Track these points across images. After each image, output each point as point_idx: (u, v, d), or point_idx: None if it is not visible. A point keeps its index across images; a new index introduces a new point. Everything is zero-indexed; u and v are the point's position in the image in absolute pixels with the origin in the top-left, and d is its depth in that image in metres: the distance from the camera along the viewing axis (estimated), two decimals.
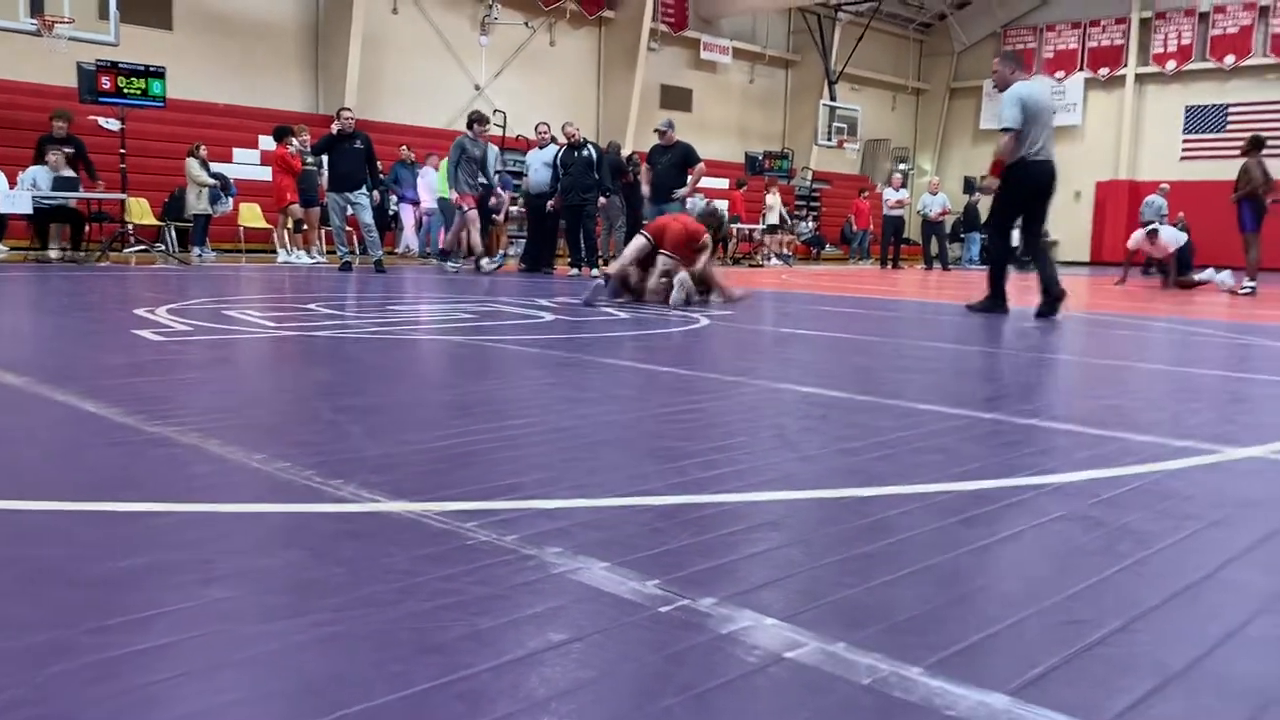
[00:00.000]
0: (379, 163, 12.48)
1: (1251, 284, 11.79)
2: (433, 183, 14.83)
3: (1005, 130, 7.42)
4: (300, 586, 1.55)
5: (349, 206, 11.76)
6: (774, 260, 19.80)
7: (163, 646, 1.31)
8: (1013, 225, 7.89)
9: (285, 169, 13.14)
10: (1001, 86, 7.68)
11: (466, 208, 12.02)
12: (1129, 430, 3.03)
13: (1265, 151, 11.86)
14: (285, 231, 13.61)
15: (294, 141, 13.22)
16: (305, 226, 13.79)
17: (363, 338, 5.14)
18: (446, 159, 12.75)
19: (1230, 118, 25.72)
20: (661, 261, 7.81)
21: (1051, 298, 7.41)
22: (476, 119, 12.02)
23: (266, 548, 1.76)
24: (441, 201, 13.31)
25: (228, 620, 1.41)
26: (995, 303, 7.84)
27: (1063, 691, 1.25)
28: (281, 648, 1.33)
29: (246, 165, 15.70)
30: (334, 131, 11.56)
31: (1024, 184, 7.50)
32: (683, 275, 7.71)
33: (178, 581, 1.55)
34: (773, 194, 20.22)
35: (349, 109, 12.07)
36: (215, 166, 13.88)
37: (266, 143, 14.71)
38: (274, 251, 13.81)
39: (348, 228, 12.21)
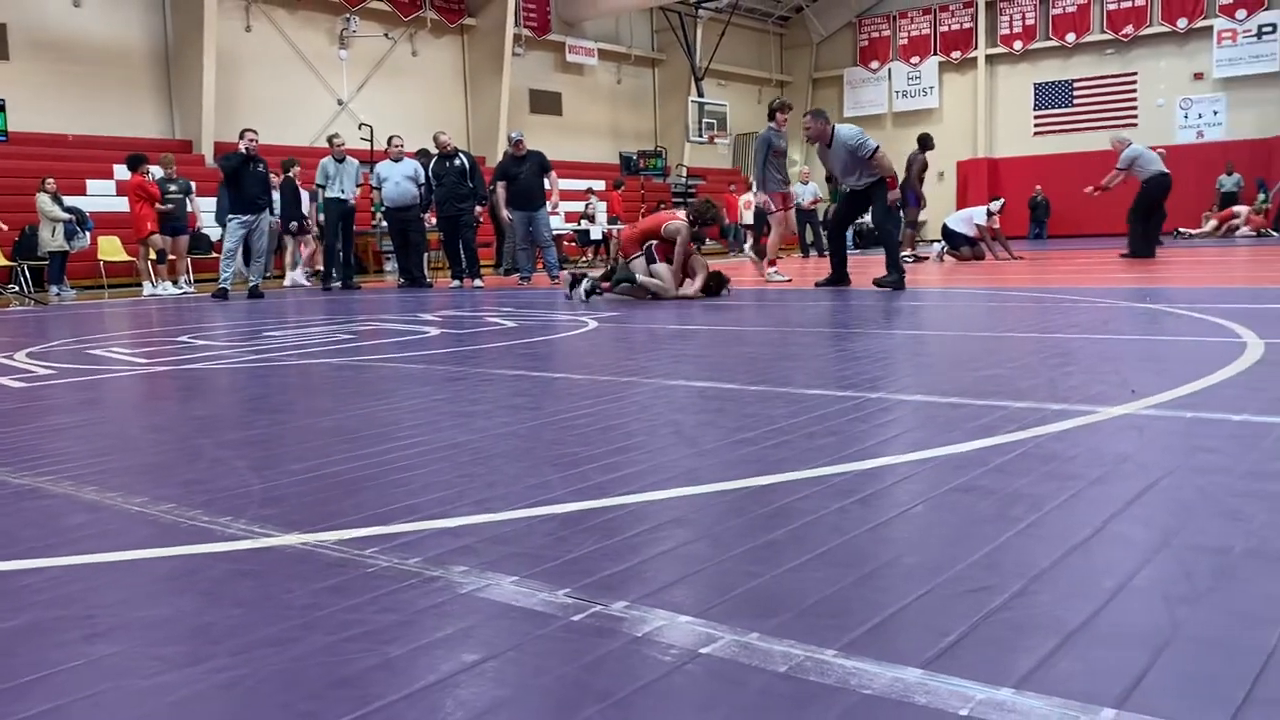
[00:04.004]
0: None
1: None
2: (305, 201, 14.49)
3: (875, 151, 8.92)
4: (194, 633, 1.48)
5: (251, 231, 11.44)
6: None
7: (47, 712, 1.24)
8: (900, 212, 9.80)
9: (144, 198, 12.62)
10: (819, 139, 9.20)
11: (775, 208, 10.84)
12: (1009, 398, 3.14)
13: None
14: (149, 263, 13.08)
15: (151, 170, 12.73)
16: (171, 256, 13.29)
17: (240, 367, 4.97)
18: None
19: (1075, 92, 27.01)
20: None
21: (900, 272, 8.95)
22: (779, 107, 10.78)
23: (154, 596, 1.67)
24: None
25: (117, 677, 1.34)
26: (899, 279, 8.87)
27: (971, 658, 1.28)
28: (179, 700, 1.26)
29: (102, 197, 15.03)
30: (244, 151, 11.19)
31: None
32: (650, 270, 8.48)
33: (60, 640, 1.46)
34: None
35: (254, 130, 11.63)
36: (69, 200, 13.24)
37: (122, 172, 14.10)
38: (138, 285, 13.25)
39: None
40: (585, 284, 8.68)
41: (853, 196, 9.43)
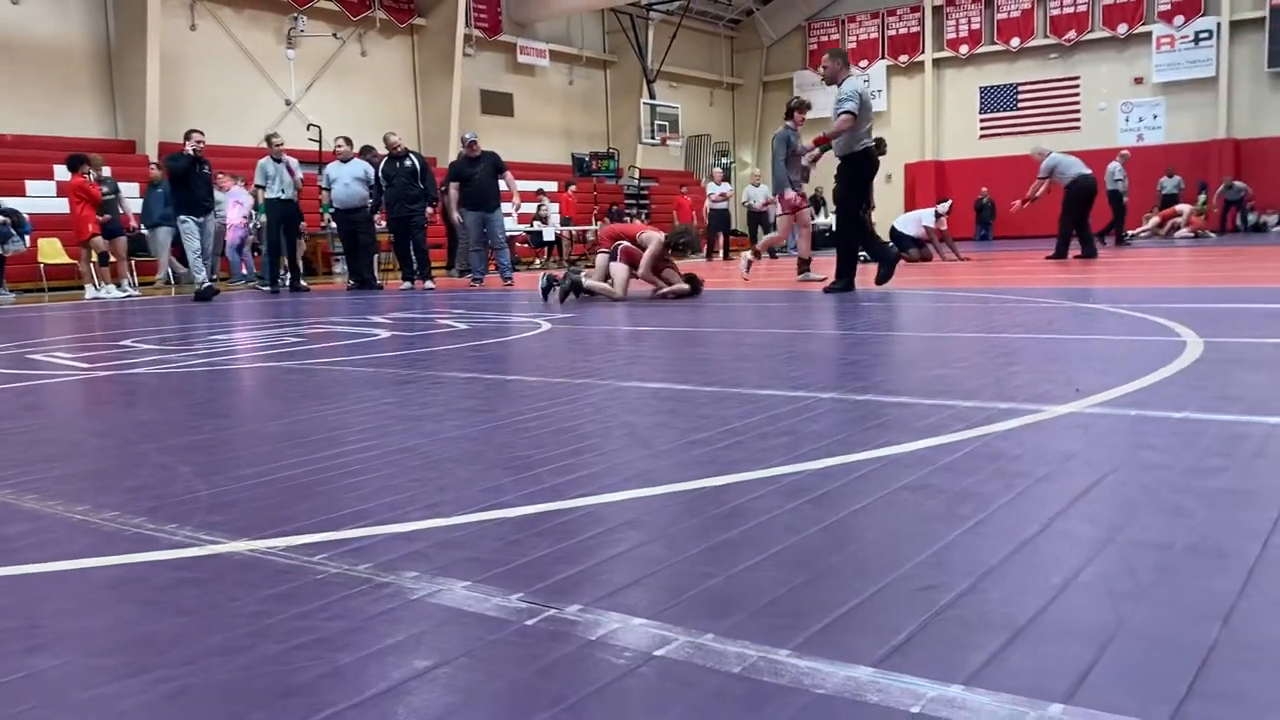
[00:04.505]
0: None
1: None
2: (247, 203, 14.29)
3: (846, 112, 8.15)
4: (137, 643, 1.45)
5: (198, 233, 11.36)
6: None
7: None
8: (861, 209, 8.60)
9: (84, 199, 12.36)
10: (832, 80, 8.51)
11: (785, 209, 10.65)
12: (957, 397, 3.18)
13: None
14: (91, 266, 12.81)
15: (90, 170, 12.47)
16: (112, 259, 13.02)
17: (187, 371, 4.89)
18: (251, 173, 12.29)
19: (1020, 96, 27.46)
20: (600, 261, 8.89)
21: (889, 264, 8.63)
22: (797, 106, 10.51)
23: (96, 605, 1.64)
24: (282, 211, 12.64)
25: (57, 688, 1.30)
26: (849, 283, 8.49)
27: (922, 656, 1.30)
28: (120, 711, 1.23)
29: (42, 198, 14.69)
30: (191, 152, 11.04)
31: (866, 170, 8.50)
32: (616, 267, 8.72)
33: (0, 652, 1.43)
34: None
35: (200, 131, 11.46)
36: (7, 201, 12.93)
37: (62, 173, 13.80)
38: (81, 288, 12.98)
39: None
40: (542, 280, 8.87)
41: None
